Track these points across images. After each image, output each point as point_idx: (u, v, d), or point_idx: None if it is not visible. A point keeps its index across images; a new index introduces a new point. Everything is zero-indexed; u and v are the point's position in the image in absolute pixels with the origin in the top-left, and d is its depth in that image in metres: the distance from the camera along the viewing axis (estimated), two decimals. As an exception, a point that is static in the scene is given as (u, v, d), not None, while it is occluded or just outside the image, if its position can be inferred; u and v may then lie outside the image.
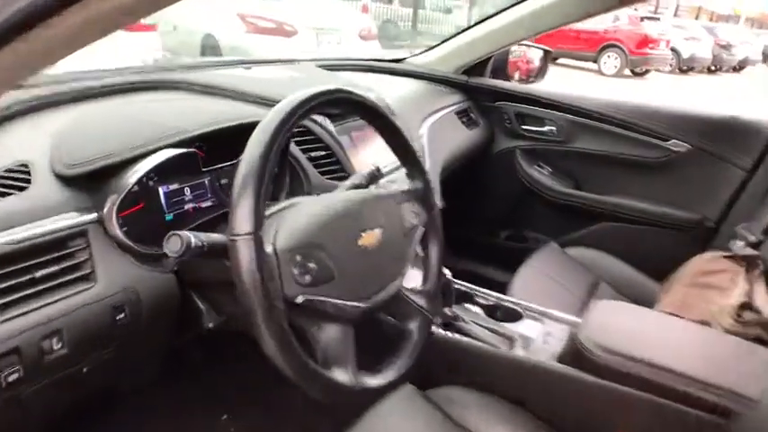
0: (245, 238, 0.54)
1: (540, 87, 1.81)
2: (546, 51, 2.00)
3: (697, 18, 20.31)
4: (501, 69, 1.87)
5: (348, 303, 0.65)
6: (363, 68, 1.74)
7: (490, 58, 1.79)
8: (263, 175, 0.57)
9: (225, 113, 0.94)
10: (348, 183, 0.90)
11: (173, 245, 0.58)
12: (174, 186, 0.81)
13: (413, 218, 0.81)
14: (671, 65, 12.18)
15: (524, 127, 1.81)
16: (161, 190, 0.80)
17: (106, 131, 0.79)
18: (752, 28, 21.61)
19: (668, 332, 1.03)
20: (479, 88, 1.79)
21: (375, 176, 0.93)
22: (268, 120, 0.61)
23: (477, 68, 1.80)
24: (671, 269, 1.66)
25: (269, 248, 0.59)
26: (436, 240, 0.86)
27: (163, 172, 0.78)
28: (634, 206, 1.68)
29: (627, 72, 11.34)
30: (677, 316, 1.12)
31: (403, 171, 1.31)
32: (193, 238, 0.59)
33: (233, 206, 0.56)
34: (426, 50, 1.83)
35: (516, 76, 2.01)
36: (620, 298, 1.53)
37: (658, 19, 12.49)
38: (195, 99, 1.05)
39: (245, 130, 0.81)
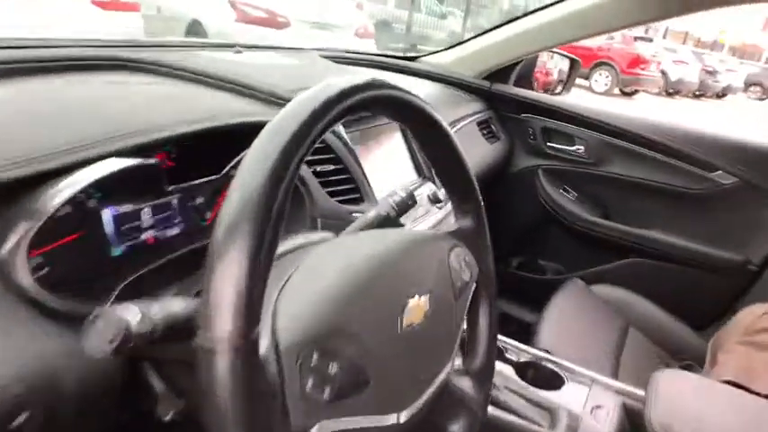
0: (228, 346, 0.30)
1: (570, 101, 1.60)
2: (573, 61, 1.80)
3: (684, 43, 20.63)
4: (525, 78, 1.66)
5: (384, 420, 0.42)
6: (372, 64, 1.51)
7: (517, 64, 1.58)
8: (270, 218, 0.33)
9: (208, 108, 0.70)
10: (372, 214, 0.66)
11: (99, 333, 0.33)
12: (127, 208, 0.57)
13: (464, 271, 0.57)
14: (659, 87, 12.25)
15: (550, 144, 1.60)
16: (107, 212, 0.55)
17: (23, 124, 0.54)
18: (733, 56, 22.06)
19: (746, 415, 0.85)
20: (503, 97, 1.58)
21: (406, 206, 0.69)
22: (284, 118, 0.36)
23: (499, 75, 1.58)
24: (706, 315, 1.48)
25: (265, 346, 0.34)
26: (488, 299, 0.63)
27: (110, 187, 0.54)
28: (669, 242, 1.48)
29: (616, 91, 11.35)
30: (745, 388, 0.94)
31: (422, 194, 1.10)
32: (137, 316, 0.35)
33: (208, 279, 0.32)
34: (444, 49, 1.61)
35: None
36: (652, 347, 1.34)
37: (651, 40, 12.56)
38: (168, 86, 0.80)
39: (239, 133, 0.57)
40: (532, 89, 1.66)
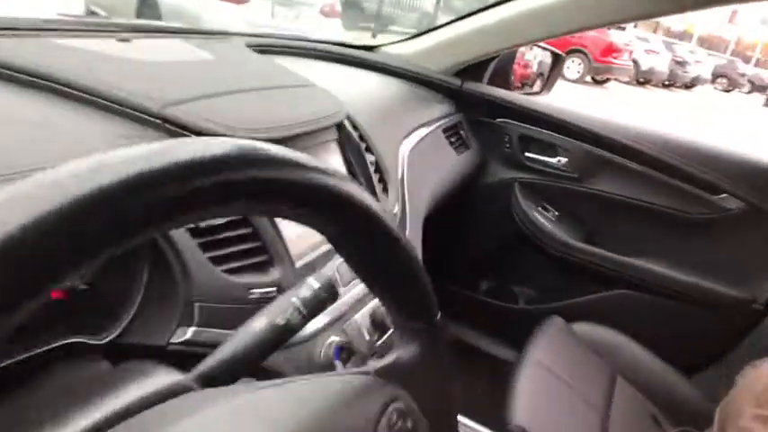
0: None
1: (552, 103, 1.37)
2: (557, 55, 1.57)
3: (655, 32, 20.78)
4: (502, 75, 1.42)
5: None
6: (319, 55, 1.24)
7: (493, 59, 1.33)
8: None
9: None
10: (263, 320, 0.41)
11: None
12: None
13: None
14: (629, 76, 12.23)
15: (528, 154, 1.37)
16: None
17: None
18: (701, 47, 22.35)
19: None
20: (476, 98, 1.33)
21: (320, 304, 0.44)
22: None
23: (472, 71, 1.33)
24: (701, 359, 1.29)
25: None
26: None
27: None
28: (662, 274, 1.28)
29: (588, 79, 11.27)
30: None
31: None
32: None
33: None
34: (408, 38, 1.34)
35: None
36: (643, 401, 1.14)
37: (624, 28, 12.48)
38: None
39: None
40: (510, 89, 1.42)
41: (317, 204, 0.27)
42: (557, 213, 1.39)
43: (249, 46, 1.00)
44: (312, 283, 0.43)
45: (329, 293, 0.44)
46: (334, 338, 0.60)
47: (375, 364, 0.36)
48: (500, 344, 1.44)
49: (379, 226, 0.31)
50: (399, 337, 0.37)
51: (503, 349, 1.43)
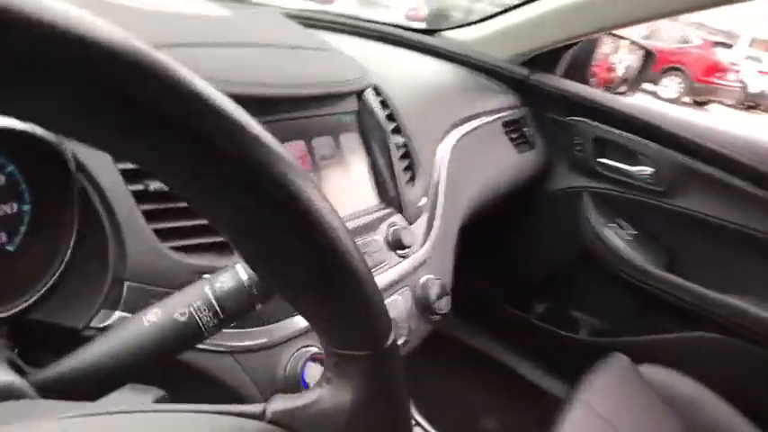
0: None
1: (638, 103, 1.17)
2: (648, 53, 1.36)
3: None
4: (579, 68, 1.23)
5: None
6: (370, 35, 1.13)
7: (567, 48, 1.16)
8: None
9: None
10: (157, 312, 0.30)
11: None
12: None
13: None
14: (735, 98, 11.14)
15: (603, 160, 1.17)
16: None
17: None
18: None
19: None
20: (545, 90, 1.16)
21: (249, 300, 0.32)
22: None
23: (543, 61, 1.17)
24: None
25: None
26: None
27: None
28: (759, 317, 1.04)
29: (686, 99, 10.40)
30: None
31: (378, 237, 0.69)
32: None
33: None
34: (472, 23, 1.20)
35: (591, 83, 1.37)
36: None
37: (731, 46, 11.45)
38: None
39: None
40: (587, 85, 1.24)
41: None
42: (634, 232, 1.18)
43: (290, 17, 0.91)
44: (239, 273, 0.31)
45: (261, 291, 0.31)
46: (311, 348, 0.48)
47: (276, 404, 0.23)
48: (551, 376, 1.25)
49: (298, 208, 0.18)
50: (327, 369, 0.24)
51: (554, 382, 1.24)
